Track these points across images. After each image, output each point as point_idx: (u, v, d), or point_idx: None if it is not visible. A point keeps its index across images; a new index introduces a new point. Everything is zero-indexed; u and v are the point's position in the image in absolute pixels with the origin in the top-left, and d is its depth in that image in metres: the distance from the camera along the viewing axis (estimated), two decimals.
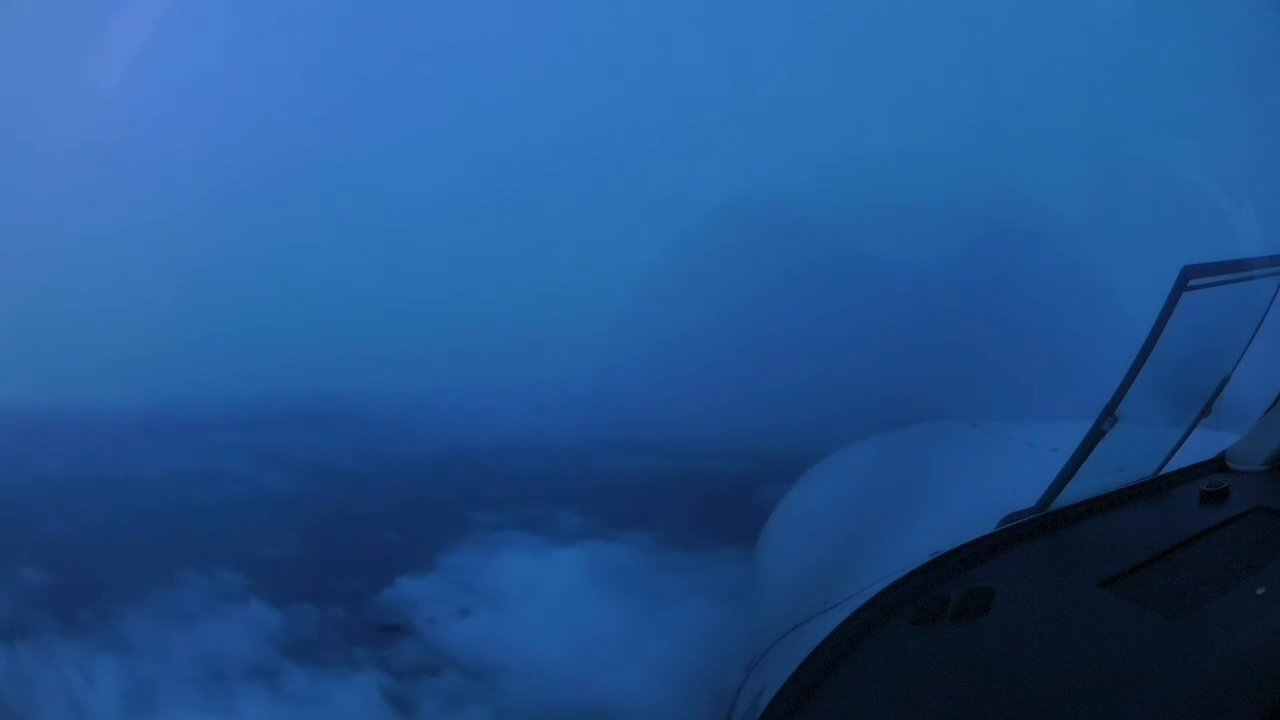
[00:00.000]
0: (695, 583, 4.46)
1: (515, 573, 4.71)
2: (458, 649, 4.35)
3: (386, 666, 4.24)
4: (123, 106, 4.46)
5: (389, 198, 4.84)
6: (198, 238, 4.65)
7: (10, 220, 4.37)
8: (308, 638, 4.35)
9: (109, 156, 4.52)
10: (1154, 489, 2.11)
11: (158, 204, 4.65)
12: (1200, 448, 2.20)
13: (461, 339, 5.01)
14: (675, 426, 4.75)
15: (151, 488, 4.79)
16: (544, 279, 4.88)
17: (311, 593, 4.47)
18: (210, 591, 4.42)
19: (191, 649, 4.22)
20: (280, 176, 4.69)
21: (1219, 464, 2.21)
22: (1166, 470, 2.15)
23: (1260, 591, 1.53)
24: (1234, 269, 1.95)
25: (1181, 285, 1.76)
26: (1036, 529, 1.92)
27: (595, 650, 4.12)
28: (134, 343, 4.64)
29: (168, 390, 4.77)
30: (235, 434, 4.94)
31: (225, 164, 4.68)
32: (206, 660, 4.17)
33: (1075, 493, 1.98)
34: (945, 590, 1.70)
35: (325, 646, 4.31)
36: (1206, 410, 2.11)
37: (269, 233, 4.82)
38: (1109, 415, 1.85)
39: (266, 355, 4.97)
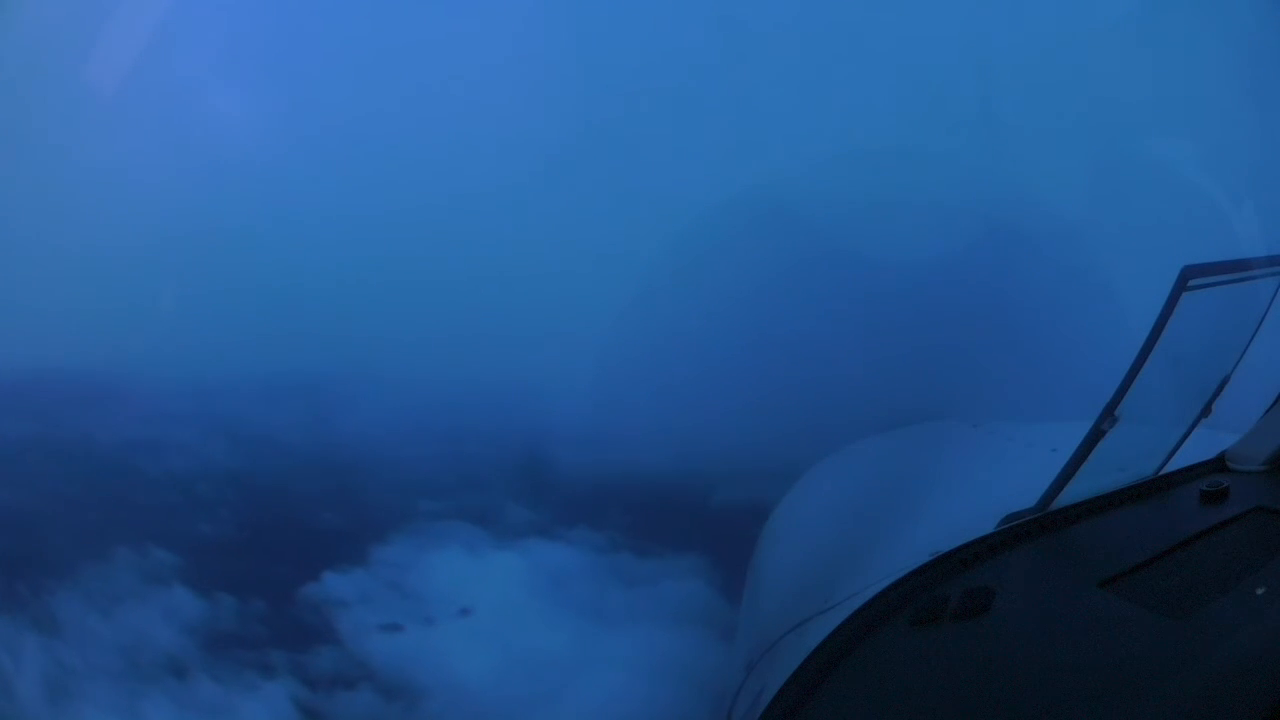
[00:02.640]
0: (644, 599, 4.22)
1: (449, 574, 4.47)
2: (378, 660, 4.11)
3: (302, 674, 3.99)
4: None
5: (382, 188, 4.77)
6: (180, 216, 4.54)
7: None
8: (226, 632, 4.15)
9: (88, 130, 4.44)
10: (1154, 489, 2.11)
11: (137, 179, 4.55)
12: (1200, 448, 2.20)
13: (445, 330, 4.88)
14: (656, 425, 4.62)
15: (100, 455, 4.61)
16: (533, 273, 4.78)
17: (238, 580, 4.27)
18: (139, 571, 4.20)
19: (110, 636, 4.05)
20: (267, 160, 4.62)
21: (1219, 464, 2.21)
22: (1166, 470, 2.15)
23: (1260, 591, 1.53)
24: (1234, 269, 1.95)
25: (1181, 285, 1.76)
26: (1036, 529, 1.92)
27: (525, 678, 3.90)
28: (105, 310, 4.51)
29: (132, 354, 4.59)
30: (192, 402, 4.76)
31: (209, 146, 4.59)
32: (122, 650, 3.99)
33: (1075, 493, 1.98)
34: (945, 590, 1.70)
35: (242, 645, 4.10)
36: (1206, 410, 2.11)
37: (254, 212, 4.70)
38: (1109, 415, 1.85)
39: (241, 328, 4.82)
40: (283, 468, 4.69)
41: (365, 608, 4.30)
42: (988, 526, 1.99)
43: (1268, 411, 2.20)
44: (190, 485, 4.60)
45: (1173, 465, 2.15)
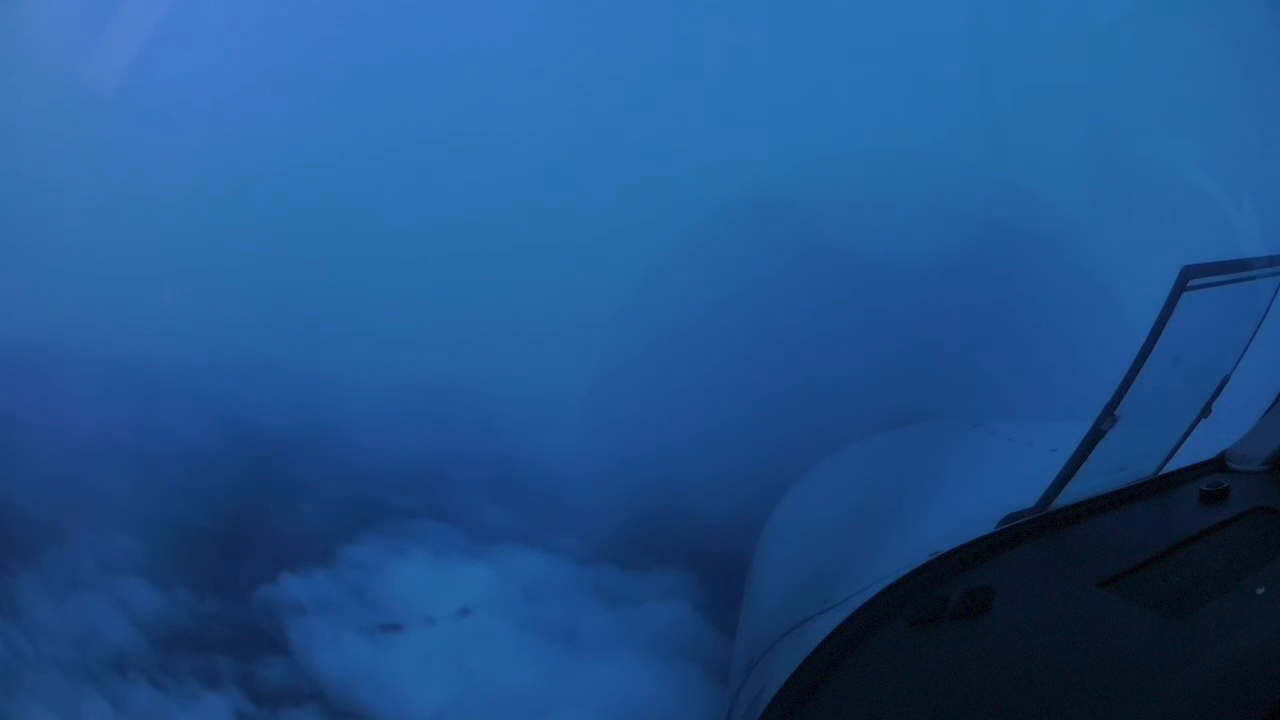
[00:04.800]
0: (624, 623, 3.94)
1: (414, 582, 4.17)
2: (329, 676, 3.83)
3: (248, 685, 3.76)
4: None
5: (381, 189, 4.71)
6: (168, 201, 4.44)
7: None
8: (178, 631, 3.91)
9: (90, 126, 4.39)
10: (1154, 489, 2.11)
11: (146, 175, 4.47)
12: (1200, 448, 2.20)
13: (435, 327, 4.74)
14: (649, 427, 4.48)
15: (82, 433, 4.47)
16: (526, 272, 4.71)
17: (199, 574, 4.03)
18: (101, 558, 4.08)
19: (63, 627, 3.89)
20: (274, 163, 4.57)
21: (1219, 464, 2.21)
22: (1166, 470, 2.15)
23: (1260, 591, 1.53)
24: (1234, 269, 1.96)
25: (1181, 285, 1.76)
26: (1036, 529, 1.92)
27: (485, 713, 3.68)
28: (86, 287, 4.39)
29: (111, 332, 4.44)
30: (179, 382, 4.60)
31: (216, 146, 4.54)
32: (74, 642, 3.83)
33: (1075, 493, 1.98)
34: (945, 590, 1.71)
35: (191, 648, 3.87)
36: (1206, 410, 2.11)
37: (245, 202, 4.60)
38: (1109, 415, 1.86)
39: (229, 312, 4.65)
40: (267, 452, 4.51)
41: (323, 615, 4.05)
42: (988, 526, 1.99)
43: (1268, 411, 2.21)
44: (166, 467, 4.42)
45: (1173, 465, 2.15)
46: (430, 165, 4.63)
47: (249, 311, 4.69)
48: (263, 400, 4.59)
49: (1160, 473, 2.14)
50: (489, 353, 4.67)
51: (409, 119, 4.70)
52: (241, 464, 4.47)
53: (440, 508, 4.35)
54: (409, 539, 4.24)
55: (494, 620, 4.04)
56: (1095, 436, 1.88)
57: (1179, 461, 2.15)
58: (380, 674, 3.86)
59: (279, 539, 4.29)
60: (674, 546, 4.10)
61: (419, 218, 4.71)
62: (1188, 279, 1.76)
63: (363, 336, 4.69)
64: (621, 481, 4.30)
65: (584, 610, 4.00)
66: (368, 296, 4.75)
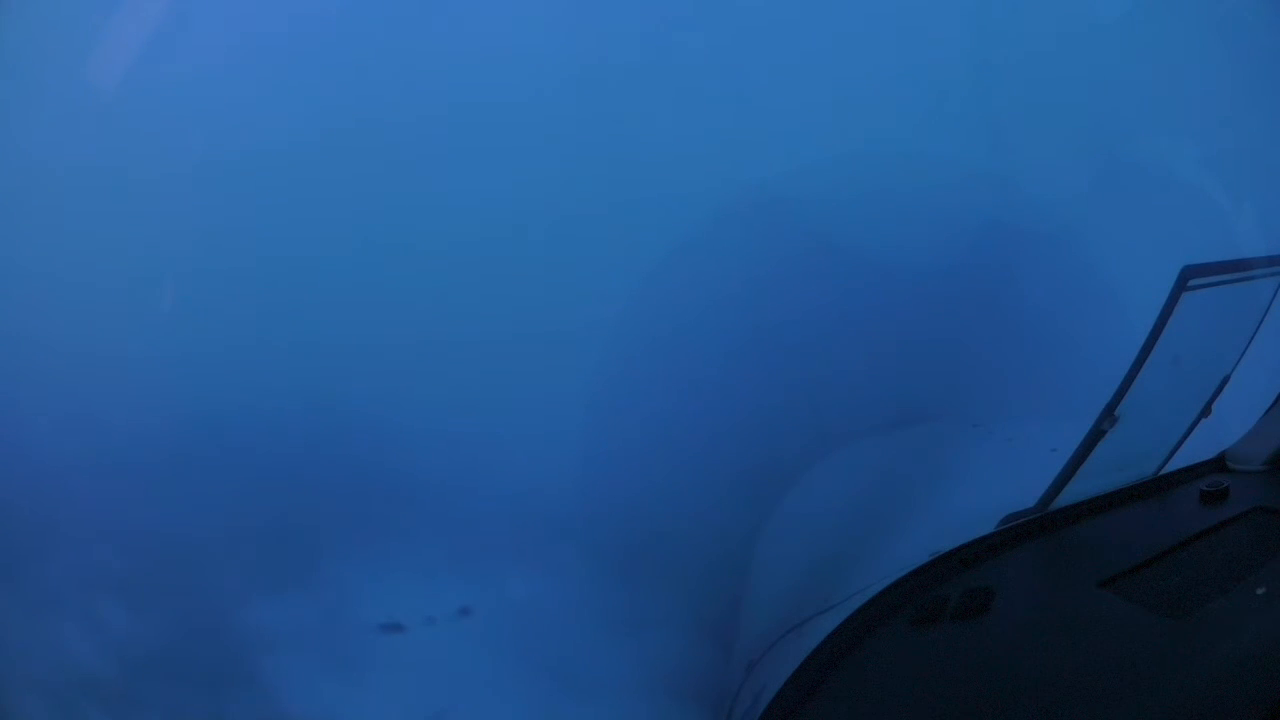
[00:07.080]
0: (620, 647, 3.87)
1: (395, 607, 4.02)
2: (296, 711, 3.69)
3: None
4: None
5: (382, 192, 4.68)
6: (198, 226, 4.43)
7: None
8: (148, 656, 3.79)
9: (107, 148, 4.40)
10: (1154, 489, 2.11)
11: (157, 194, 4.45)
12: (1200, 448, 2.20)
13: (431, 332, 4.69)
14: (647, 429, 4.43)
15: (62, 435, 4.34)
16: (523, 274, 4.67)
17: (178, 594, 3.95)
18: (80, 573, 3.94)
19: (35, 649, 3.74)
20: (283, 173, 4.55)
21: (1219, 464, 2.21)
22: (1166, 470, 2.15)
23: (1260, 591, 1.53)
24: (1234, 269, 1.96)
25: (1181, 285, 1.77)
26: (1036, 529, 1.92)
27: None
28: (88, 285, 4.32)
29: (110, 332, 4.36)
30: (187, 370, 4.44)
31: (228, 164, 4.52)
32: (47, 665, 3.67)
33: (1075, 493, 1.98)
34: (945, 590, 1.71)
35: (158, 678, 3.74)
36: (1206, 410, 2.11)
37: (244, 206, 4.56)
38: (1109, 415, 1.86)
39: (237, 320, 4.58)
40: (274, 456, 4.37)
41: (294, 641, 3.90)
42: (988, 526, 1.99)
43: (1268, 411, 2.20)
44: (166, 470, 4.26)
45: (1173, 465, 2.15)
46: (416, 158, 4.57)
47: (245, 311, 4.66)
48: (259, 402, 4.54)
49: (1160, 473, 2.14)
50: (482, 354, 4.61)
51: (387, 110, 4.64)
52: (224, 468, 4.36)
53: (431, 517, 4.26)
54: (393, 559, 4.12)
55: (479, 645, 3.92)
56: (1095, 436, 1.88)
57: (1179, 461, 2.15)
58: (352, 711, 3.70)
59: (254, 553, 4.17)
60: (672, 553, 4.06)
61: (408, 216, 4.67)
62: (1188, 279, 1.76)
63: (357, 337, 4.66)
64: (615, 489, 4.24)
65: (576, 632, 3.90)
66: (363, 296, 4.72)
